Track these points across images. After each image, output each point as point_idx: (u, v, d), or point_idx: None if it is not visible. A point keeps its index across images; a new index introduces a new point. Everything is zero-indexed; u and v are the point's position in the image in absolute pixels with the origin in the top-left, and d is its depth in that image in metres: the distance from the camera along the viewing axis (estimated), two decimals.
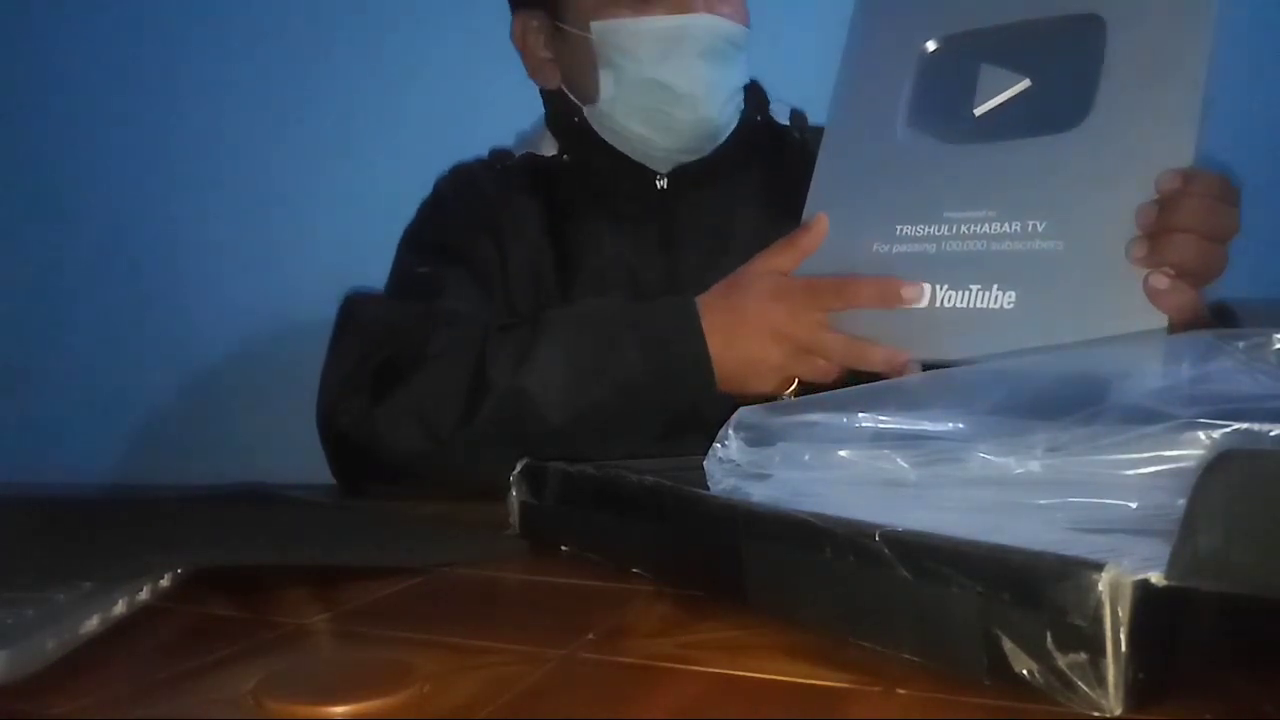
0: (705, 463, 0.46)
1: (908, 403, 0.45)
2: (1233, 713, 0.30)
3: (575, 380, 0.71)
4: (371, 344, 0.78)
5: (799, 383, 0.73)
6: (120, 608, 0.39)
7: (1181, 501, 0.29)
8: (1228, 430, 0.33)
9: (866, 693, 0.32)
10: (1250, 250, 0.63)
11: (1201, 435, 0.33)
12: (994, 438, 0.38)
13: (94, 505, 0.71)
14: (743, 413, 0.46)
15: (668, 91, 0.86)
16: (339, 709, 0.31)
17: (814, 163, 0.74)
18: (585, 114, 0.92)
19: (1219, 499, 0.28)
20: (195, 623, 0.42)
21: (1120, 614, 0.28)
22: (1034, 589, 0.29)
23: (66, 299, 1.30)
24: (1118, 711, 0.28)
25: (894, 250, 0.67)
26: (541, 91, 0.97)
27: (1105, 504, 0.35)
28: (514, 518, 0.57)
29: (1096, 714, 0.28)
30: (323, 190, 1.27)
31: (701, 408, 0.71)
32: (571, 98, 0.93)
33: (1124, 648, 0.28)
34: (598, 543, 0.51)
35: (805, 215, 0.73)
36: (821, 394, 0.48)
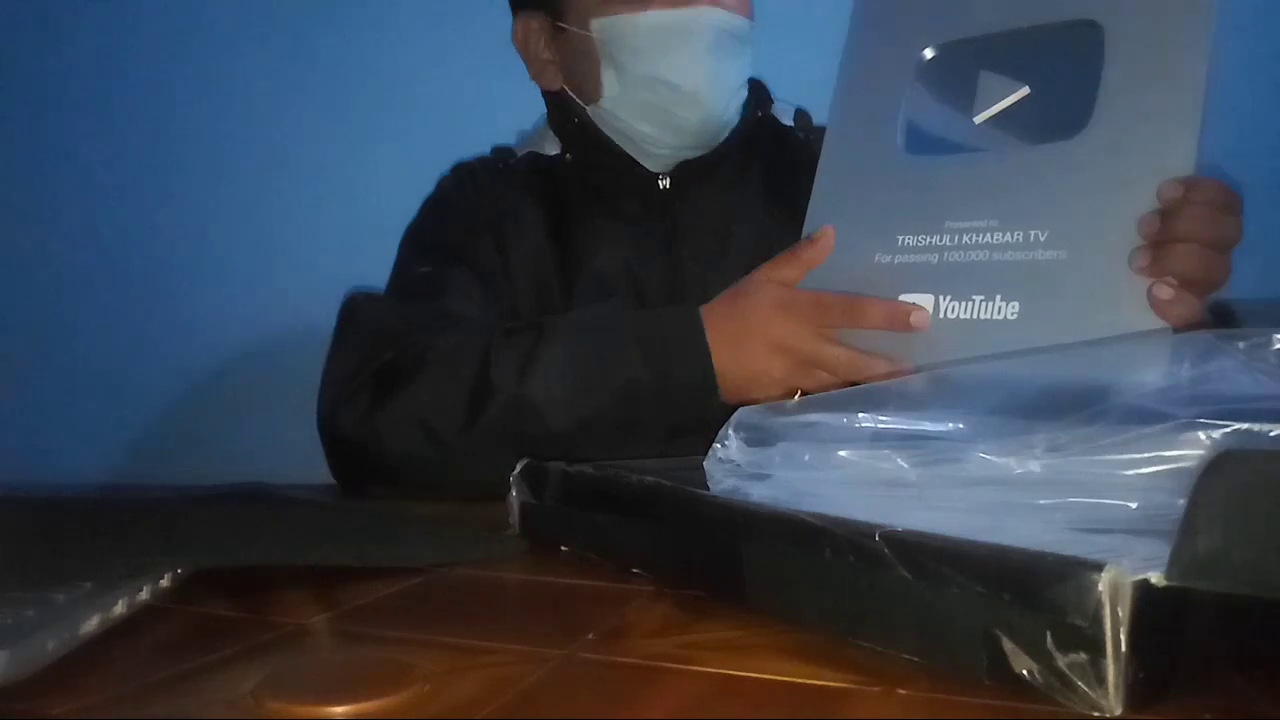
0: (705, 463, 0.46)
1: (908, 403, 0.45)
2: (1233, 713, 0.30)
3: (578, 389, 0.71)
4: (373, 345, 0.78)
5: (801, 393, 0.72)
6: (120, 608, 0.39)
7: (1181, 501, 0.29)
8: (1228, 430, 0.33)
9: (866, 693, 0.32)
10: (1263, 251, 0.63)
11: (1201, 435, 0.33)
12: (994, 438, 0.38)
13: (94, 505, 0.71)
14: (743, 413, 0.46)
15: (671, 88, 0.86)
16: (339, 709, 0.31)
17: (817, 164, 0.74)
18: (588, 114, 0.92)
19: (1219, 499, 0.28)
20: (195, 623, 0.42)
21: (1120, 614, 0.28)
22: (1034, 589, 0.29)
23: (66, 299, 1.30)
24: (1118, 711, 0.28)
25: (896, 260, 0.67)
26: (543, 92, 0.97)
27: (1105, 504, 0.35)
28: (514, 518, 0.57)
29: (1096, 714, 0.28)
30: (323, 190, 1.27)
31: (703, 413, 0.71)
32: (574, 98, 0.93)
33: (1124, 648, 0.28)
34: (598, 543, 0.51)
35: (807, 223, 0.72)
36: (821, 394, 0.48)
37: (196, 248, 1.29)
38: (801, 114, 0.99)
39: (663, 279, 0.91)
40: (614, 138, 0.92)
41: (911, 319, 0.64)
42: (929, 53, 0.70)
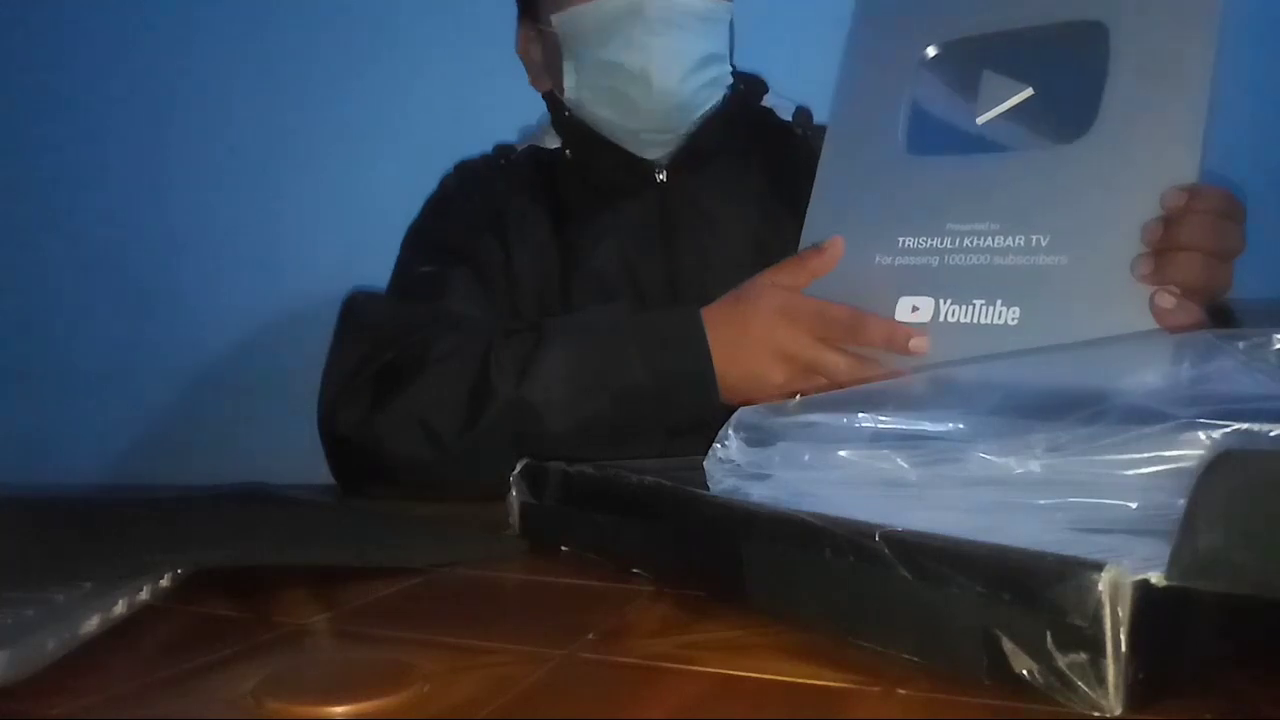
0: (705, 463, 0.46)
1: (908, 403, 0.45)
2: (1233, 713, 0.30)
3: (578, 391, 0.71)
4: (373, 346, 0.78)
5: (801, 396, 0.72)
6: (120, 608, 0.39)
7: (1181, 501, 0.29)
8: (1228, 430, 0.33)
9: (866, 693, 0.32)
10: (1264, 252, 0.62)
11: (1201, 435, 0.33)
12: (994, 438, 0.38)
13: (94, 505, 0.71)
14: (743, 413, 0.46)
15: (619, 70, 0.86)
16: (339, 709, 0.31)
17: (817, 161, 0.74)
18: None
19: (1219, 499, 0.28)
20: (195, 623, 0.42)
21: (1120, 614, 0.28)
22: (1034, 589, 0.29)
23: (66, 299, 1.30)
24: (1118, 711, 0.28)
25: (896, 262, 0.66)
26: (543, 94, 0.98)
27: (1105, 504, 0.35)
28: (514, 518, 0.57)
29: (1096, 714, 0.28)
30: (323, 190, 1.26)
31: (703, 415, 0.71)
32: (560, 97, 0.94)
33: (1124, 648, 0.28)
34: (598, 543, 0.51)
35: (807, 222, 0.72)
36: (821, 394, 0.48)
37: (196, 247, 1.29)
38: (801, 111, 0.99)
39: (660, 274, 0.92)
40: (596, 128, 0.92)
41: (911, 344, 0.64)
42: (932, 51, 0.70)
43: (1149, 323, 0.57)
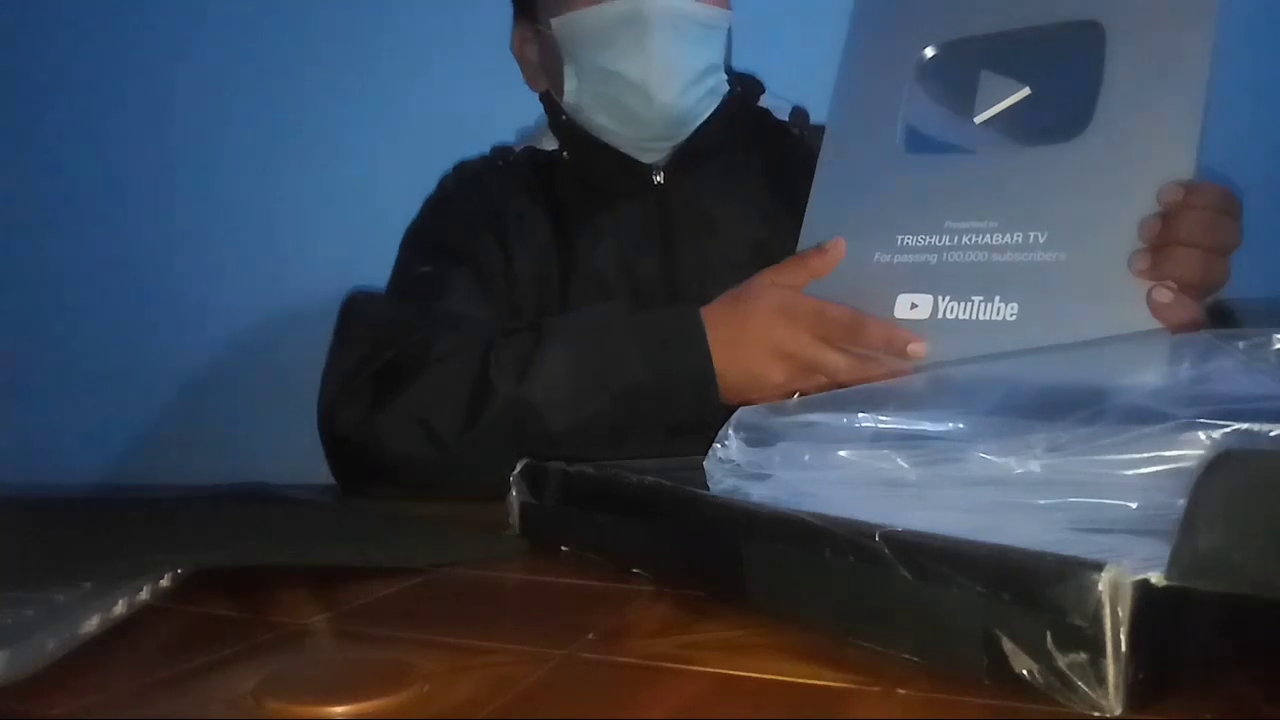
0: (705, 463, 0.46)
1: (908, 403, 0.45)
2: (1233, 713, 0.30)
3: (578, 391, 0.71)
4: (373, 346, 0.78)
5: (800, 395, 0.72)
6: (120, 608, 0.39)
7: (1181, 501, 0.29)
8: (1228, 430, 0.33)
9: (866, 693, 0.32)
10: (1263, 252, 0.62)
11: (1201, 435, 0.33)
12: (994, 438, 0.38)
13: (94, 505, 0.71)
14: (743, 413, 0.46)
15: (619, 79, 0.86)
16: (339, 709, 0.31)
17: (814, 161, 0.74)
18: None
19: (1219, 499, 0.28)
20: (195, 623, 0.42)
21: (1120, 614, 0.28)
22: (1034, 589, 0.29)
23: (66, 299, 1.30)
24: (1118, 711, 0.28)
25: (895, 260, 0.66)
26: (539, 95, 0.98)
27: (1105, 504, 0.35)
28: (514, 518, 0.57)
29: (1096, 714, 0.28)
30: (323, 190, 1.26)
31: (703, 414, 0.71)
32: (556, 99, 0.94)
33: (1124, 648, 0.28)
34: (598, 543, 0.51)
35: (806, 221, 0.72)
36: (821, 394, 0.48)
37: (196, 247, 1.29)
38: (798, 111, 0.99)
39: (658, 275, 0.92)
40: (593, 132, 0.92)
41: (909, 350, 0.64)
42: (930, 51, 0.70)
43: (1146, 317, 0.57)
